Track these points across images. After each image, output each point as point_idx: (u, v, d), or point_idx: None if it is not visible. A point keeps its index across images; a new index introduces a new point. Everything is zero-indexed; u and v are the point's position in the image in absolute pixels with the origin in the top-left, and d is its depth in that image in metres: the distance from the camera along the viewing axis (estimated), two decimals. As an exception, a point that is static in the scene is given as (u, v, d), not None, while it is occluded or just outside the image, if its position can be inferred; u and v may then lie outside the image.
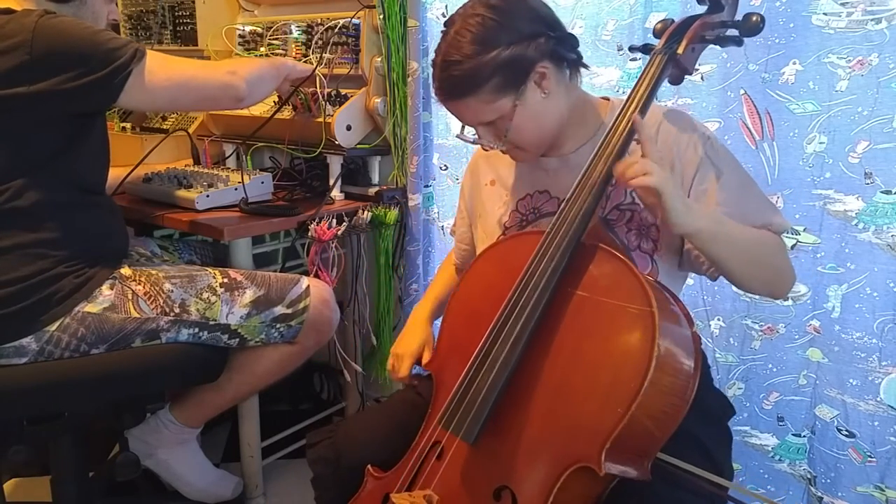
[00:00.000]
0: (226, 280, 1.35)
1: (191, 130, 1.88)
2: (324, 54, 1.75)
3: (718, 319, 1.41)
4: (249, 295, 1.35)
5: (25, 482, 1.83)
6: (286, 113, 1.73)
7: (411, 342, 1.18)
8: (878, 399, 1.25)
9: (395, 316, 1.93)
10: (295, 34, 1.86)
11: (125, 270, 1.29)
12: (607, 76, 1.47)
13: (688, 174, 1.00)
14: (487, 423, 0.85)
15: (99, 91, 1.17)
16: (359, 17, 1.74)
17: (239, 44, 1.97)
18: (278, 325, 1.38)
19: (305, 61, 1.78)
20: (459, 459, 0.90)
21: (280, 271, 1.68)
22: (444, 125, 1.78)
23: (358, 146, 1.75)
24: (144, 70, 1.20)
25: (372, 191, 1.80)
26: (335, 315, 1.47)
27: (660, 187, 0.84)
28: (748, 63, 1.27)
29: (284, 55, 1.86)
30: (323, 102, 1.68)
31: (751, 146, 1.30)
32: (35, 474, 1.83)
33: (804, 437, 1.37)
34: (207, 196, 1.56)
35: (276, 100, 1.76)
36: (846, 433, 1.30)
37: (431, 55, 1.70)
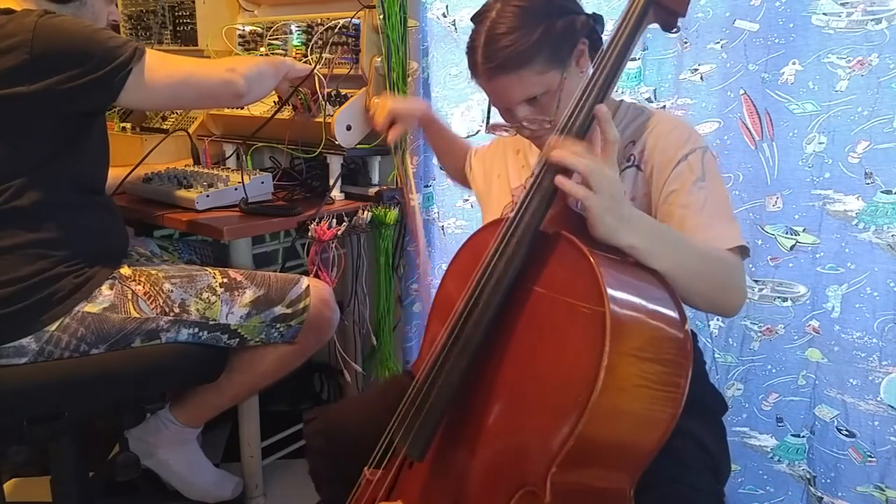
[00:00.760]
0: (225, 280, 1.35)
1: (191, 130, 1.88)
2: (323, 54, 1.76)
3: (717, 320, 1.41)
4: (249, 295, 1.35)
5: (25, 482, 1.83)
6: (286, 113, 1.73)
7: (410, 109, 1.29)
8: (879, 399, 1.25)
9: (395, 316, 1.93)
10: (295, 35, 1.86)
11: (125, 270, 1.29)
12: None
13: (664, 171, 0.96)
14: (435, 440, 0.78)
15: (99, 90, 1.18)
16: (359, 17, 1.74)
17: (239, 44, 1.97)
18: (278, 325, 1.38)
19: (305, 61, 1.78)
20: (421, 473, 0.83)
21: (280, 271, 1.68)
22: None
23: (358, 146, 1.75)
24: (144, 68, 1.20)
25: (372, 191, 1.80)
26: (335, 315, 1.47)
27: (587, 202, 0.75)
28: (748, 63, 1.27)
29: (284, 55, 1.86)
30: (323, 102, 1.68)
31: (750, 146, 1.30)
32: (35, 474, 1.83)
33: (803, 437, 1.37)
34: (207, 196, 1.56)
35: (277, 100, 1.76)
36: (846, 433, 1.30)
37: (432, 55, 1.73)
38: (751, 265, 1.34)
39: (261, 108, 1.82)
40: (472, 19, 1.01)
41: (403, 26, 1.70)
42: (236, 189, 1.60)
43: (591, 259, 0.71)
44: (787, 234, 1.29)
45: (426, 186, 1.83)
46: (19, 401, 1.20)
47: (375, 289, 1.91)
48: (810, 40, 1.21)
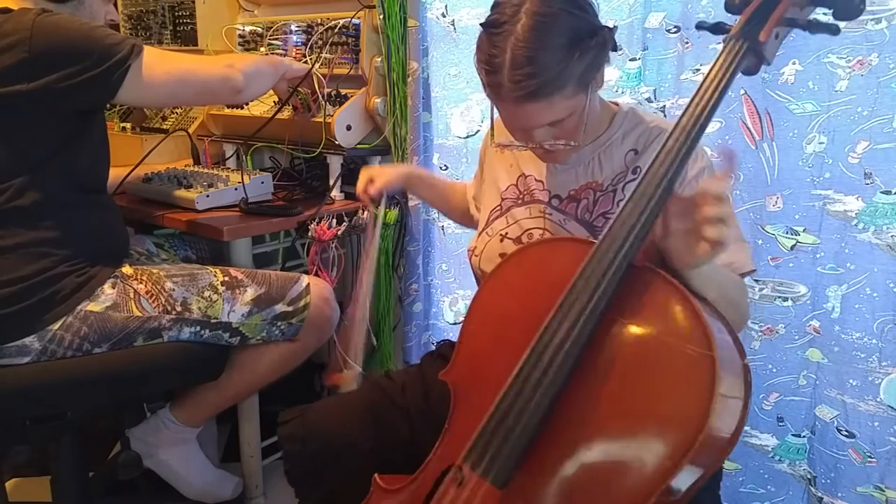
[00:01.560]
0: (227, 278, 1.35)
1: (191, 130, 1.88)
2: (323, 54, 1.76)
3: (718, 319, 1.41)
4: (250, 293, 1.35)
5: (26, 482, 1.82)
6: (286, 113, 1.73)
7: (390, 169, 1.24)
8: (878, 399, 1.25)
9: (395, 316, 1.93)
10: (295, 36, 1.87)
11: (127, 269, 1.29)
12: (606, 76, 1.47)
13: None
14: (518, 465, 0.76)
15: (98, 87, 1.18)
16: (359, 17, 1.74)
17: (239, 44, 1.97)
18: (279, 323, 1.38)
19: (305, 61, 1.78)
20: (481, 494, 0.78)
21: (280, 271, 1.68)
22: (445, 125, 1.78)
23: (358, 146, 1.75)
24: (143, 65, 1.21)
25: (372, 191, 1.80)
26: (335, 313, 1.47)
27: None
28: (748, 63, 1.28)
29: (284, 55, 1.86)
30: (323, 102, 1.68)
31: (750, 146, 1.30)
32: (35, 474, 1.83)
33: (804, 437, 1.37)
34: (207, 196, 1.56)
35: (277, 100, 1.76)
36: (846, 433, 1.30)
37: (432, 55, 1.73)
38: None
39: (261, 109, 1.82)
40: (485, 27, 0.90)
41: (403, 26, 1.70)
42: (236, 189, 1.61)
43: (693, 303, 0.73)
44: (787, 233, 1.30)
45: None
46: (22, 401, 1.20)
47: (375, 289, 1.91)
48: (810, 40, 1.20)
